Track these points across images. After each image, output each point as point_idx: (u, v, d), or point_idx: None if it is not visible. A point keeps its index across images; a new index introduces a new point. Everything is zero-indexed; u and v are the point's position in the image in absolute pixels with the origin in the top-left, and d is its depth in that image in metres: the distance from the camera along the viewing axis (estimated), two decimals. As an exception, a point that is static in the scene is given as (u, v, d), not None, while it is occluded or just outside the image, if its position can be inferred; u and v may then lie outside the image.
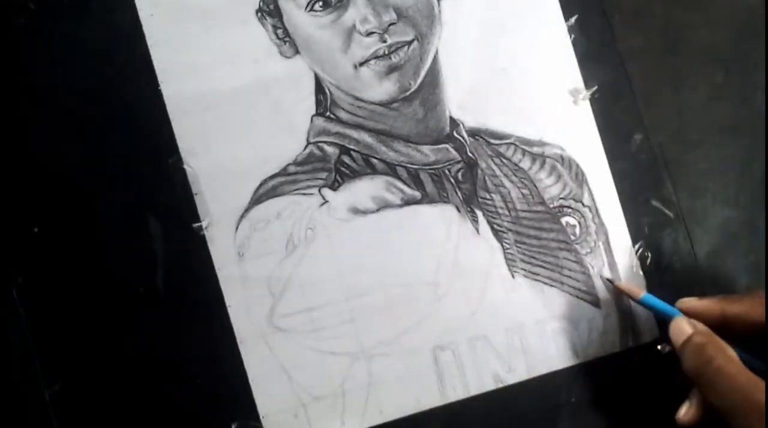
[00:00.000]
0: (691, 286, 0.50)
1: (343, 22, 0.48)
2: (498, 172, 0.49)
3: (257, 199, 0.47)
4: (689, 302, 0.45)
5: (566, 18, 0.50)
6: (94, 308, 0.46)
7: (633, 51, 0.51)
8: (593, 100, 0.50)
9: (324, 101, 0.48)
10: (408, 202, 0.48)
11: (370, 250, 0.48)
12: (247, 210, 0.47)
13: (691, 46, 0.52)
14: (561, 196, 0.50)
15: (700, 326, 0.44)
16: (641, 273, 0.50)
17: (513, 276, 0.49)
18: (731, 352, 0.41)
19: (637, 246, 0.50)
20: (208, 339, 0.46)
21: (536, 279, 0.49)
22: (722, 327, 0.43)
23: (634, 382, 0.49)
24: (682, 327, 0.44)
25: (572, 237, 0.49)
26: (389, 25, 0.48)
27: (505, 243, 0.49)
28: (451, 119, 0.49)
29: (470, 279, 0.48)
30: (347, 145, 0.49)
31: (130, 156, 0.47)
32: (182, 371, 0.46)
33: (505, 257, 0.49)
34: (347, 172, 0.48)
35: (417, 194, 0.49)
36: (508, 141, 0.50)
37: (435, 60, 0.49)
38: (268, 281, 0.47)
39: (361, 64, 0.48)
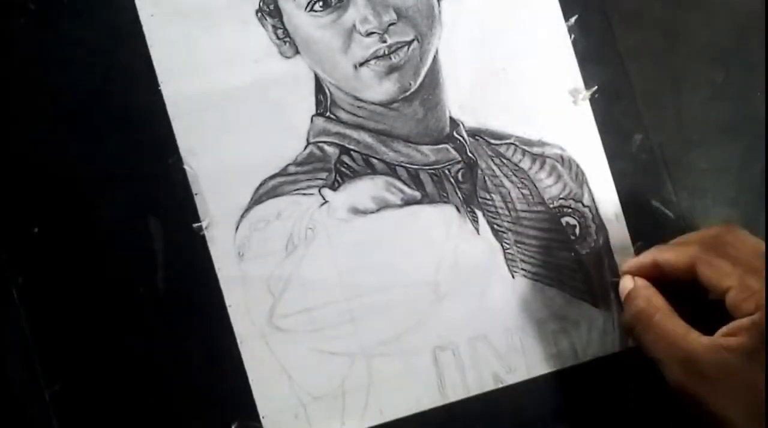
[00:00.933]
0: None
1: (343, 22, 0.48)
2: (498, 172, 0.49)
3: (257, 199, 0.47)
4: (629, 262, 0.46)
5: (566, 18, 0.50)
6: (94, 308, 0.46)
7: (633, 51, 0.51)
8: (593, 100, 0.50)
9: (324, 101, 0.48)
10: (408, 202, 0.48)
11: (370, 250, 0.48)
12: (247, 210, 0.47)
13: (691, 46, 0.52)
14: (561, 196, 0.50)
15: (639, 280, 0.45)
16: (641, 273, 0.50)
17: (513, 277, 0.49)
18: (660, 301, 0.43)
19: (637, 246, 0.50)
20: (208, 339, 0.46)
21: (536, 280, 0.49)
22: (660, 275, 0.44)
23: (634, 382, 0.49)
24: (624, 284, 0.45)
25: (572, 238, 0.49)
26: (389, 25, 0.48)
27: (505, 243, 0.49)
28: (451, 119, 0.49)
29: (470, 279, 0.48)
30: (347, 145, 0.49)
31: (130, 156, 0.47)
32: (182, 371, 0.46)
33: (505, 257, 0.49)
34: (347, 172, 0.48)
35: (417, 194, 0.49)
36: (508, 141, 0.50)
37: (435, 60, 0.49)
38: (268, 281, 0.47)
39: (361, 64, 0.48)
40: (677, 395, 0.41)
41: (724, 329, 0.40)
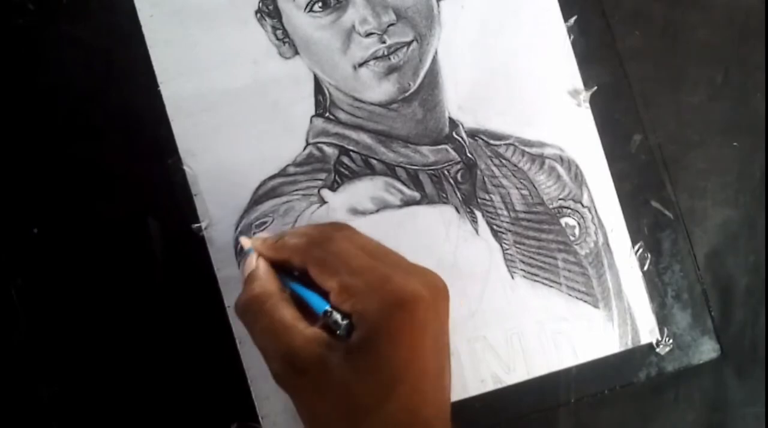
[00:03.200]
0: (691, 287, 0.50)
1: (343, 23, 0.48)
2: (497, 173, 0.49)
3: (257, 200, 0.47)
4: (257, 239, 0.42)
5: (566, 18, 0.50)
6: (94, 308, 0.46)
7: (633, 51, 0.51)
8: (593, 101, 0.50)
9: (323, 102, 0.48)
10: (407, 203, 0.48)
11: (370, 251, 0.48)
12: (246, 210, 0.47)
13: (691, 46, 0.52)
14: (560, 196, 0.50)
15: (262, 262, 0.41)
16: (641, 273, 0.50)
17: (512, 277, 0.49)
18: (273, 287, 0.39)
19: (636, 247, 0.50)
20: (208, 339, 0.46)
21: (535, 280, 0.49)
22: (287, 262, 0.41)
23: (634, 382, 0.49)
24: (249, 264, 0.41)
25: (571, 238, 0.49)
26: (388, 26, 0.48)
27: (505, 243, 0.49)
28: (451, 120, 0.49)
29: (469, 280, 0.48)
30: (346, 146, 0.49)
31: (129, 156, 0.47)
32: (182, 371, 0.46)
33: (505, 258, 0.49)
34: (346, 172, 0.48)
35: (416, 195, 0.48)
36: (507, 141, 0.50)
37: (434, 61, 0.49)
38: (267, 281, 0.47)
39: (361, 64, 0.48)
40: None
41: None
